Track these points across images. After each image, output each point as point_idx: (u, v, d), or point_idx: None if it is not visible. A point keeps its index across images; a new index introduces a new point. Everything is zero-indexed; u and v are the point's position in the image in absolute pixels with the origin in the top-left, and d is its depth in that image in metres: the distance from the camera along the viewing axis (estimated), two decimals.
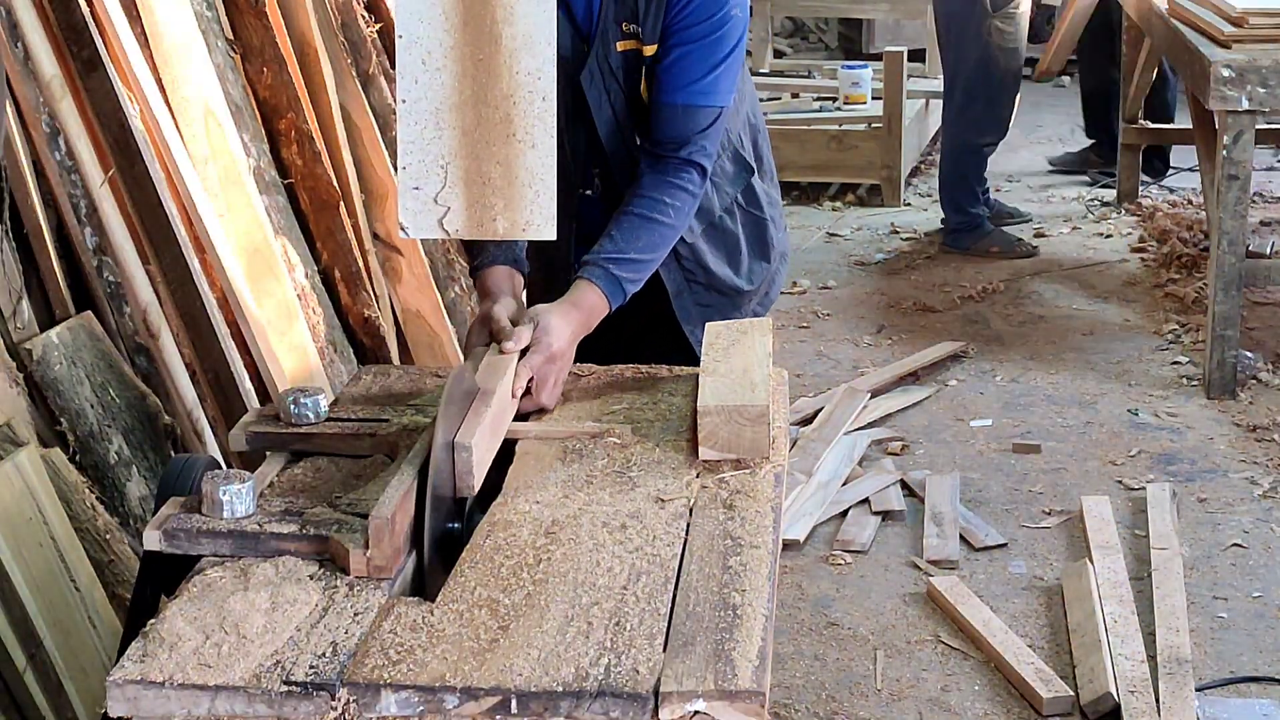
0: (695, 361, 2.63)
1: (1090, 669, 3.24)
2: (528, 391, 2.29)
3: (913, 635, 3.51)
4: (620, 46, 2.59)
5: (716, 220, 2.82)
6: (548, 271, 2.78)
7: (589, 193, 2.74)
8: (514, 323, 2.36)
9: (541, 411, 2.30)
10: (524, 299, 2.59)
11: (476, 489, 1.98)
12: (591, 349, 2.53)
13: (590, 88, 2.62)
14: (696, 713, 1.55)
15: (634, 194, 2.58)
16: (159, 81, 3.12)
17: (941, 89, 7.84)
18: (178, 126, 3.13)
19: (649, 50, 2.58)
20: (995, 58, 6.20)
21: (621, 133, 2.66)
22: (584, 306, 2.45)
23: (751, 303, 2.89)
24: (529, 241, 2.64)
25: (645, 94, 2.62)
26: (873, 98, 7.37)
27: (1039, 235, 6.55)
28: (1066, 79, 9.68)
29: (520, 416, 2.28)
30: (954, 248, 6.37)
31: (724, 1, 2.55)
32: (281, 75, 3.49)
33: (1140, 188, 6.98)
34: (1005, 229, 6.43)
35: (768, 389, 2.17)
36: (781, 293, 5.77)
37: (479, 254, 2.60)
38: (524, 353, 2.30)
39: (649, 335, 2.82)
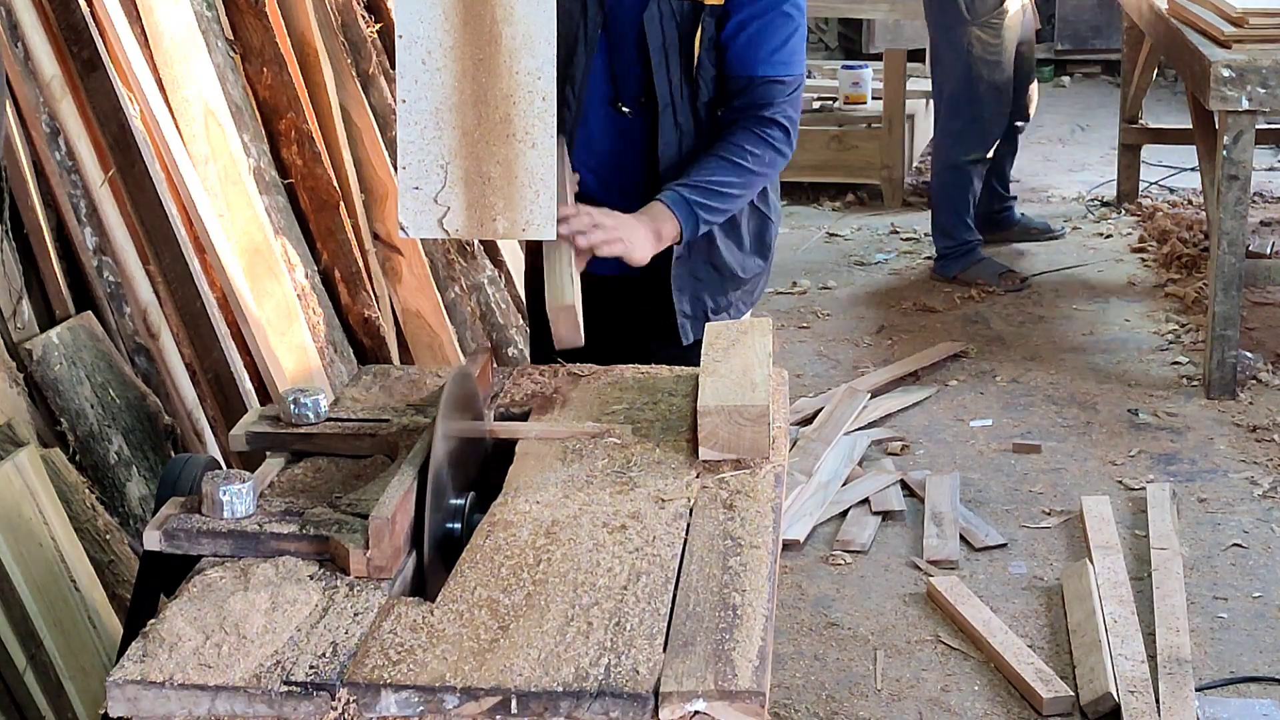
0: (674, 334, 2.78)
1: (1090, 669, 3.24)
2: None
3: (913, 635, 3.51)
4: None
5: None
6: None
7: (628, 111, 2.79)
8: None
9: (539, 410, 2.30)
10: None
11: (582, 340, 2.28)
12: (592, 348, 2.54)
13: (651, 27, 2.70)
14: (696, 713, 1.55)
15: (718, 140, 2.70)
16: (159, 81, 3.12)
17: None
18: (178, 127, 3.13)
19: (711, 0, 2.67)
20: (978, 69, 5.88)
21: (669, 79, 2.73)
22: (655, 215, 2.60)
23: (739, 292, 2.91)
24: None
25: (698, 46, 2.70)
26: (873, 98, 7.37)
27: (1051, 238, 6.48)
28: (1067, 79, 9.68)
29: (517, 416, 2.28)
30: (942, 276, 6.06)
31: None
32: (281, 75, 3.49)
33: (1140, 187, 6.99)
34: (995, 259, 6.14)
35: (768, 389, 2.16)
36: (781, 292, 5.81)
37: None
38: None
39: (650, 337, 2.83)
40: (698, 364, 2.28)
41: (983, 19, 5.86)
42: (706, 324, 2.52)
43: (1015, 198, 6.54)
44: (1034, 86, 6.32)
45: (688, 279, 2.83)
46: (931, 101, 7.75)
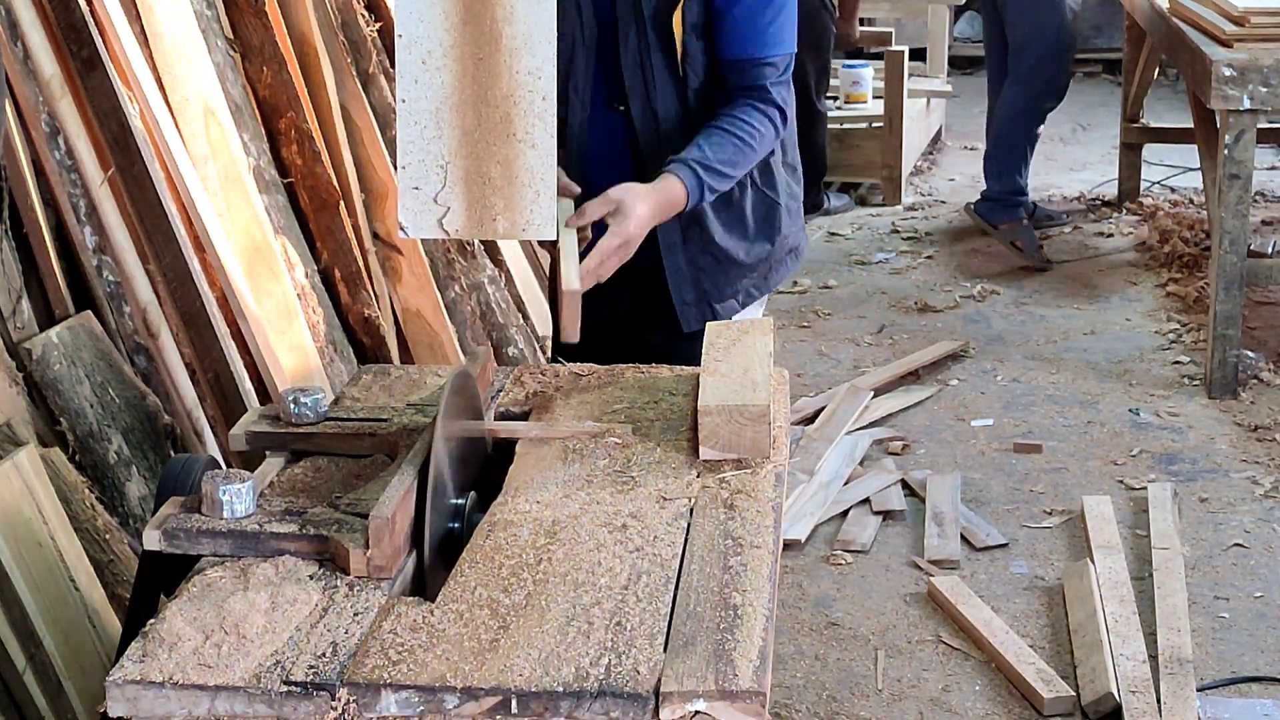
0: (679, 330, 2.77)
1: (1091, 669, 3.24)
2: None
3: (914, 635, 3.50)
4: None
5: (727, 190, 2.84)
6: None
7: (622, 108, 2.78)
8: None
9: (539, 410, 2.29)
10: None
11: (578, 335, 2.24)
12: (592, 350, 2.54)
13: (622, 15, 2.69)
14: (697, 713, 1.55)
15: (719, 113, 2.69)
16: (159, 81, 3.11)
17: (943, 88, 7.86)
18: (177, 126, 3.13)
19: None
20: (1069, 23, 6.16)
21: (644, 67, 2.71)
22: (667, 194, 2.58)
23: (746, 279, 2.89)
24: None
25: (678, 30, 2.68)
26: (873, 97, 7.37)
27: (1044, 237, 6.50)
28: None
29: (516, 416, 2.27)
30: (982, 217, 6.30)
31: None
32: (281, 75, 3.48)
33: (1141, 186, 6.98)
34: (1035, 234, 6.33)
35: (769, 389, 2.16)
36: (782, 292, 5.80)
37: None
38: (597, 229, 2.48)
39: (649, 329, 2.83)
40: (699, 353, 2.28)
41: None
42: (708, 323, 2.52)
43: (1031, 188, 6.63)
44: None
45: (685, 268, 2.81)
46: (930, 101, 7.77)
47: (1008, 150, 6.32)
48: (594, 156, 2.79)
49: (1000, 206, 6.27)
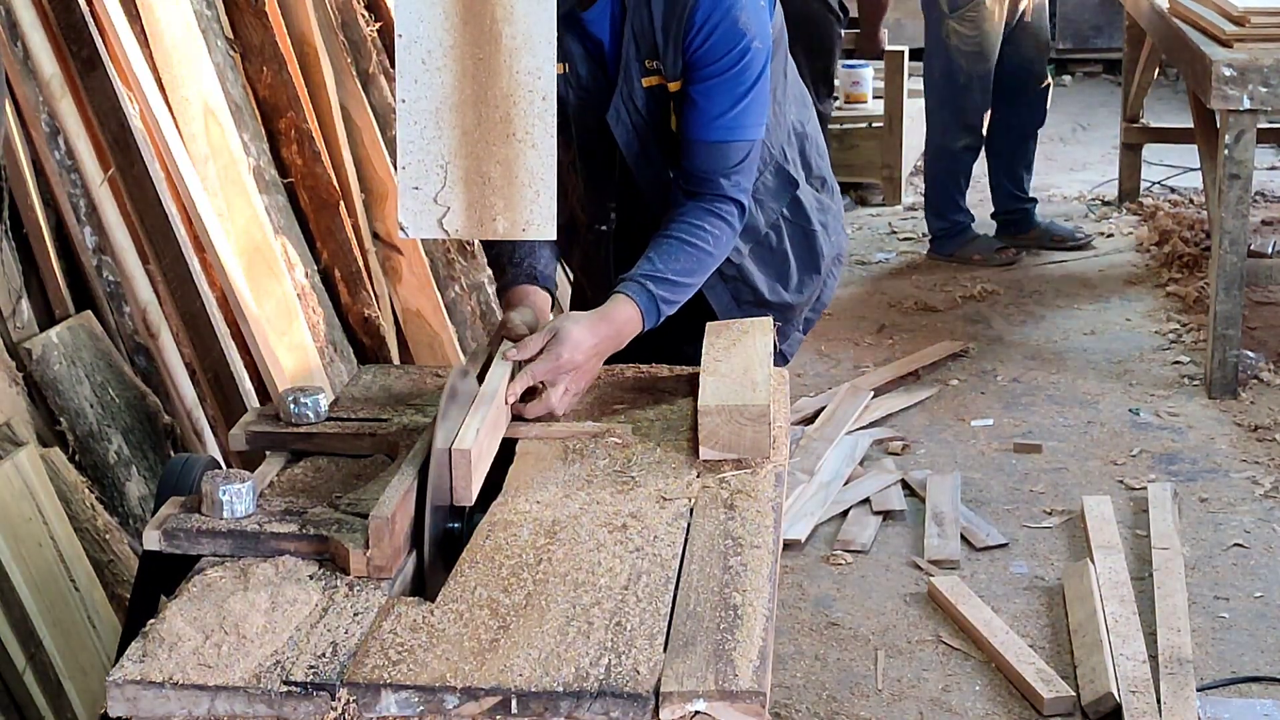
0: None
1: (1091, 669, 3.24)
2: (535, 396, 2.27)
3: (914, 635, 3.50)
4: (645, 83, 2.58)
5: (762, 238, 2.79)
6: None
7: (603, 228, 2.73)
8: (531, 331, 2.35)
9: (550, 416, 2.29)
10: (549, 314, 2.57)
11: (474, 497, 1.97)
12: (630, 353, 2.50)
13: (617, 125, 2.60)
14: (697, 713, 1.55)
15: (672, 219, 2.56)
16: (159, 81, 3.11)
17: None
18: (177, 126, 3.13)
19: (674, 86, 2.56)
20: (957, 60, 6.00)
21: (652, 165, 2.64)
22: (615, 320, 2.41)
23: (803, 313, 2.87)
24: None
25: (675, 126, 2.60)
26: (873, 97, 7.37)
27: (1075, 247, 6.42)
28: (1068, 78, 9.68)
29: (518, 416, 2.27)
30: (938, 254, 6.23)
31: (741, 35, 2.51)
32: (281, 74, 3.48)
33: (1141, 186, 6.98)
34: (987, 240, 6.25)
35: (769, 389, 2.16)
36: None
37: (500, 275, 2.61)
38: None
39: (687, 342, 2.79)
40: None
41: (959, 11, 5.97)
42: (708, 323, 2.51)
43: (1035, 200, 6.46)
44: (1043, 86, 6.27)
45: (733, 308, 2.77)
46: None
47: (934, 189, 6.26)
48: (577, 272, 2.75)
49: (947, 238, 6.22)
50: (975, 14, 5.96)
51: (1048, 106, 6.37)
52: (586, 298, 2.74)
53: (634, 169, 2.65)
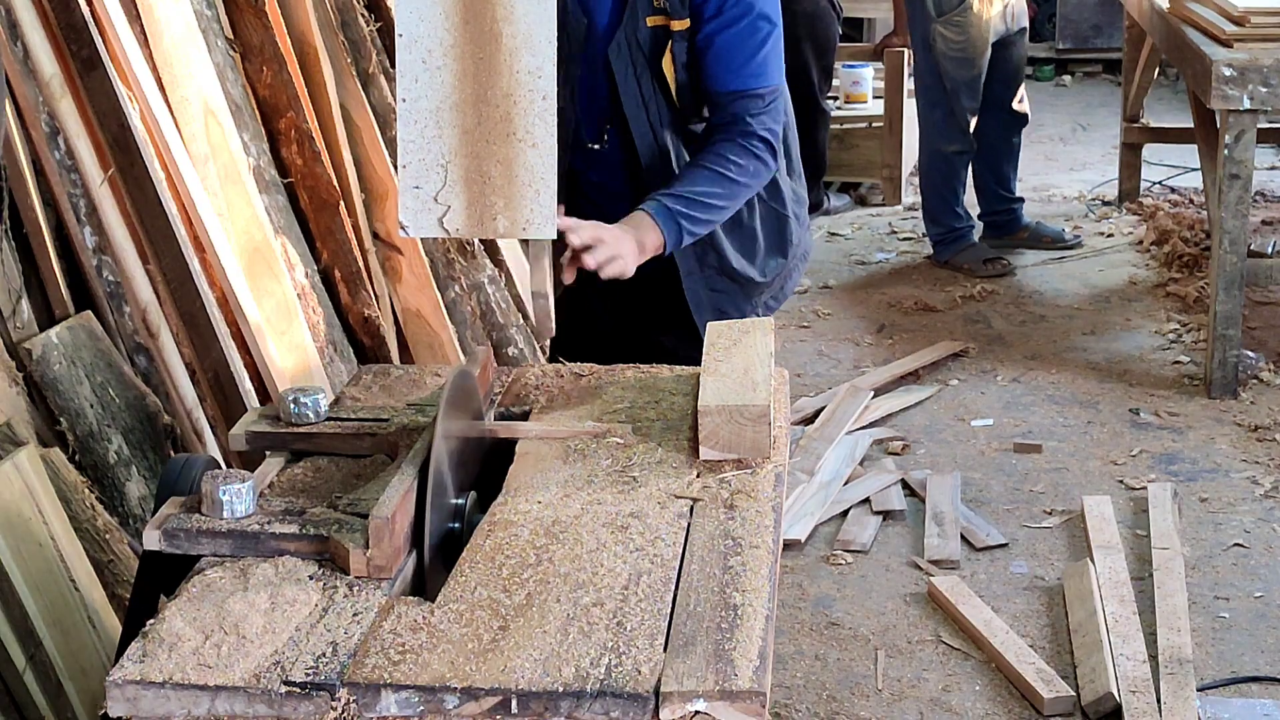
0: (692, 334, 2.74)
1: (1091, 669, 3.24)
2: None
3: (914, 635, 3.50)
4: (650, 21, 2.64)
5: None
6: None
7: (596, 147, 2.78)
8: None
9: (539, 410, 2.29)
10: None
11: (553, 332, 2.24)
12: (606, 343, 2.54)
13: (617, 59, 2.68)
14: (697, 713, 1.55)
15: (701, 151, 2.67)
16: (159, 80, 3.11)
17: None
18: (177, 126, 3.13)
19: (677, 25, 2.63)
20: (944, 65, 5.97)
21: (641, 103, 2.70)
22: (637, 225, 2.56)
23: (764, 295, 2.90)
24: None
25: (669, 69, 2.67)
26: (873, 97, 7.37)
27: (1063, 247, 6.41)
28: (1068, 78, 9.68)
29: (517, 416, 2.27)
30: (936, 261, 6.21)
31: None
32: (281, 74, 3.48)
33: (1141, 186, 6.98)
34: (988, 247, 6.22)
35: (769, 389, 2.16)
36: None
37: None
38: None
39: (663, 331, 2.82)
40: None
41: (945, 16, 5.93)
42: (709, 324, 2.51)
43: (1021, 200, 6.47)
44: (1021, 88, 6.25)
45: (704, 293, 2.81)
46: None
47: (929, 196, 6.24)
48: (597, 192, 2.80)
49: (944, 244, 6.19)
50: (962, 19, 5.91)
51: (1024, 102, 6.32)
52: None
53: (624, 102, 2.72)
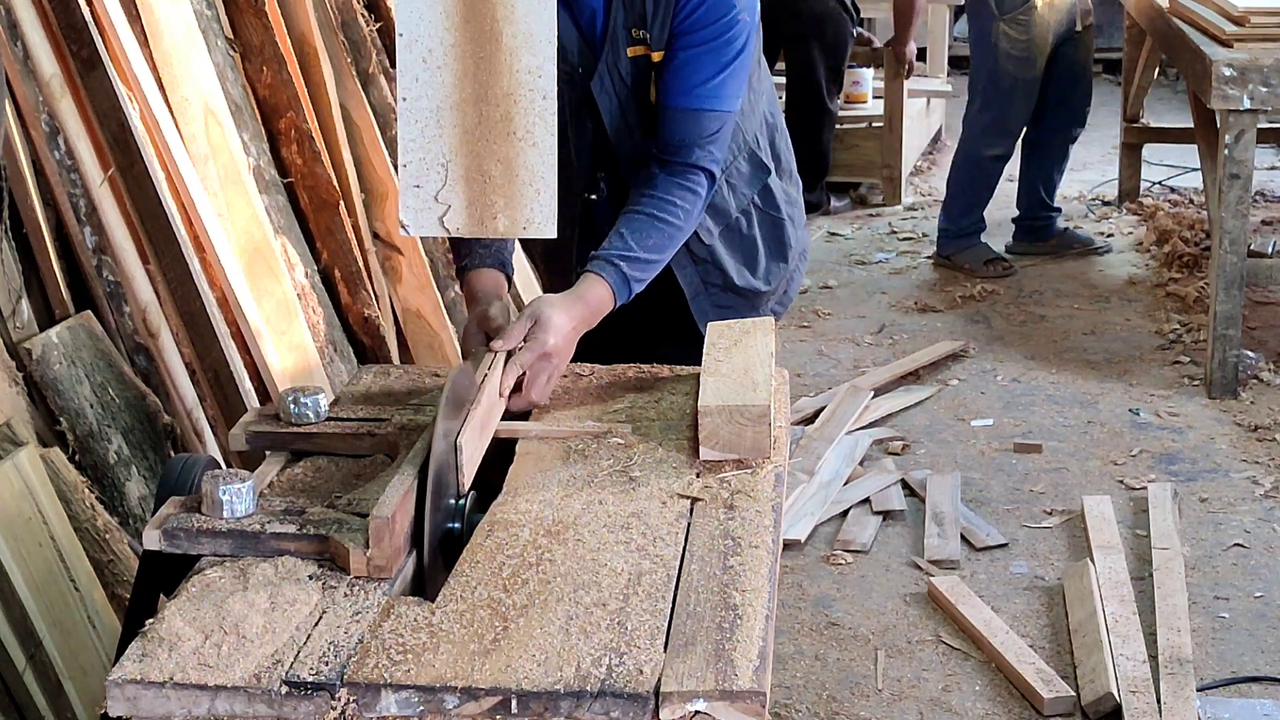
0: (696, 343, 2.65)
1: (1091, 669, 3.24)
2: (518, 388, 2.28)
3: (914, 635, 3.50)
4: (630, 53, 2.59)
5: (733, 222, 2.80)
6: (551, 275, 2.80)
7: (594, 197, 2.74)
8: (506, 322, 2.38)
9: (540, 409, 2.29)
10: (510, 302, 2.59)
11: (467, 486, 1.98)
12: (606, 353, 2.53)
13: (600, 93, 2.62)
14: (697, 713, 1.55)
15: (642, 193, 2.58)
16: (159, 80, 3.11)
17: (943, 87, 7.87)
18: (177, 126, 3.13)
19: (657, 56, 2.58)
20: (1004, 65, 5.86)
21: (632, 136, 2.65)
22: (589, 300, 2.43)
23: (770, 302, 2.88)
24: (538, 245, 2.63)
25: (654, 98, 2.62)
26: (873, 97, 7.37)
27: (1093, 253, 6.36)
28: None
29: (517, 416, 2.27)
30: (939, 253, 6.18)
31: (731, 5, 2.53)
32: (281, 74, 3.48)
33: (1141, 186, 6.98)
34: (989, 246, 6.17)
35: (769, 389, 2.16)
36: None
37: (466, 255, 2.59)
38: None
39: (665, 340, 2.81)
40: None
41: (1010, 14, 5.83)
42: (709, 324, 2.51)
43: (1059, 210, 6.39)
44: (1087, 89, 6.15)
45: (710, 310, 2.78)
46: (931, 101, 7.76)
47: (954, 192, 6.16)
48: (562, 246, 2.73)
49: (950, 237, 6.13)
50: (1026, 18, 5.82)
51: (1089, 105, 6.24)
52: (570, 266, 2.73)
53: (614, 140, 2.66)
